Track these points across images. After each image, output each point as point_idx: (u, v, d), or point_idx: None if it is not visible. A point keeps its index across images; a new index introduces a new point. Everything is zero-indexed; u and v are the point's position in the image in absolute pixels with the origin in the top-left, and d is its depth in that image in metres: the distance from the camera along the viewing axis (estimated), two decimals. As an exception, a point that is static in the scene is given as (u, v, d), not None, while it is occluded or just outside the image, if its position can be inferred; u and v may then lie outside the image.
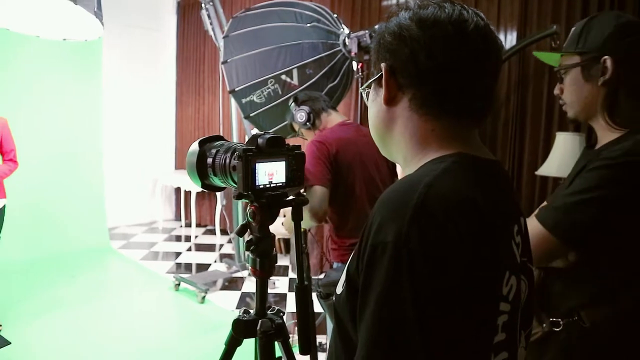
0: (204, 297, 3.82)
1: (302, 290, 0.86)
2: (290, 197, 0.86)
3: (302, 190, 2.00)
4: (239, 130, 4.44)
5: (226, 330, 0.99)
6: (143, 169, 6.71)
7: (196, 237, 6.12)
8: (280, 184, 0.84)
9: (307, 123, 2.07)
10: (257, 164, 0.79)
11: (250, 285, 4.34)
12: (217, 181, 0.90)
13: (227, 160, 0.84)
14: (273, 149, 0.81)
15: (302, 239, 0.89)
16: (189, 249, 5.58)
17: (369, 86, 0.77)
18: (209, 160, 0.90)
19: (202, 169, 0.92)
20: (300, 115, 2.07)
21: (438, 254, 0.54)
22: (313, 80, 2.78)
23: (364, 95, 0.80)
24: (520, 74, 3.26)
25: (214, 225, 6.16)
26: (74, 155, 5.16)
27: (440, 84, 0.67)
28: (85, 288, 4.10)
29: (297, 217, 0.89)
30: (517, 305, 0.67)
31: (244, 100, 2.95)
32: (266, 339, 0.87)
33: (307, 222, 1.75)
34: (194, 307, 3.76)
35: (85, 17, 2.46)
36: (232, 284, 4.38)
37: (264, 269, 0.90)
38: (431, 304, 0.53)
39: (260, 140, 0.80)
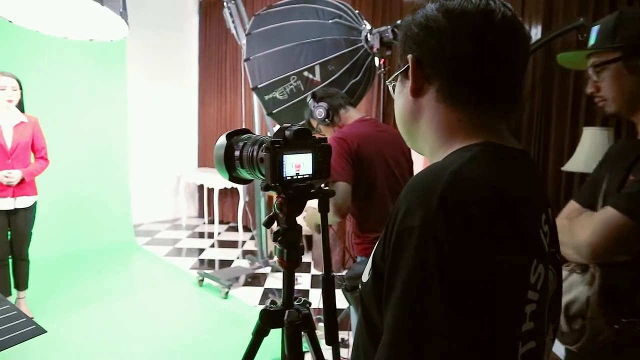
0: (227, 293, 3.86)
1: (329, 281, 0.87)
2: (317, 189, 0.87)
3: (323, 185, 2.02)
4: (261, 128, 4.47)
5: (249, 325, 1.00)
6: (167, 167, 6.81)
7: (219, 233, 6.18)
8: (307, 176, 0.85)
9: (326, 119, 2.07)
10: (284, 156, 0.80)
11: (272, 281, 4.37)
12: (244, 173, 0.91)
13: (255, 153, 0.85)
14: (300, 141, 0.82)
15: (328, 229, 0.90)
16: (212, 246, 5.65)
17: (395, 79, 0.77)
18: (237, 152, 0.91)
19: (229, 162, 0.93)
20: (319, 111, 2.07)
21: (465, 239, 0.55)
22: (335, 76, 2.78)
23: (390, 88, 0.80)
24: (545, 68, 3.20)
25: (237, 222, 6.22)
26: (101, 153, 5.28)
27: (468, 74, 0.67)
28: (111, 283, 4.19)
29: (323, 209, 0.89)
30: (546, 295, 0.66)
31: (266, 97, 2.97)
32: (293, 329, 0.89)
33: (330, 218, 1.76)
34: (218, 302, 3.81)
35: (111, 18, 2.52)
36: (254, 280, 4.42)
37: (291, 260, 0.91)
38: (458, 288, 0.54)
39: (287, 132, 0.81)
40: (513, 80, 0.70)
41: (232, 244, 5.72)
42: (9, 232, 3.15)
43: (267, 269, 4.57)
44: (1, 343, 1.06)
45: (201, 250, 5.41)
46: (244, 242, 5.84)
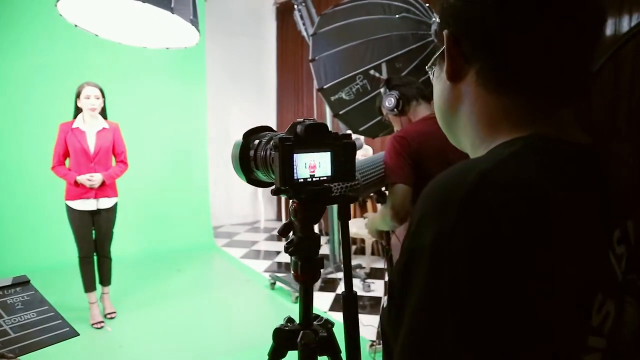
0: (297, 297, 3.82)
1: (350, 299, 0.75)
2: (338, 194, 0.76)
3: (383, 189, 1.88)
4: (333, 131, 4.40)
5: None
6: (246, 171, 6.97)
7: (295, 237, 6.20)
8: (325, 178, 0.74)
9: (395, 109, 1.94)
10: (295, 155, 0.70)
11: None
12: (261, 175, 0.83)
13: (269, 152, 0.76)
14: (315, 137, 0.71)
15: (349, 239, 0.78)
16: (288, 249, 5.67)
17: (434, 63, 0.65)
18: (252, 152, 0.82)
19: (245, 163, 0.85)
20: (389, 100, 1.95)
21: (491, 265, 0.40)
22: (403, 74, 2.63)
23: (431, 76, 0.67)
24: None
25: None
26: (182, 157, 5.50)
27: (515, 50, 0.52)
28: (189, 282, 4.34)
29: (343, 216, 0.78)
30: (619, 340, 0.50)
31: (332, 98, 2.89)
32: (307, 352, 0.78)
33: (388, 223, 1.63)
34: (288, 306, 3.79)
35: (182, 26, 2.59)
36: (327, 284, 4.35)
37: (306, 273, 0.81)
38: (479, 332, 0.40)
39: (299, 128, 0.70)
40: (577, 57, 0.53)
41: (308, 248, 5.71)
42: (93, 231, 3.34)
43: (340, 274, 4.49)
44: (35, 343, 1.07)
45: (277, 253, 5.45)
46: (319, 245, 5.80)
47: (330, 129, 3.12)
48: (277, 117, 7.30)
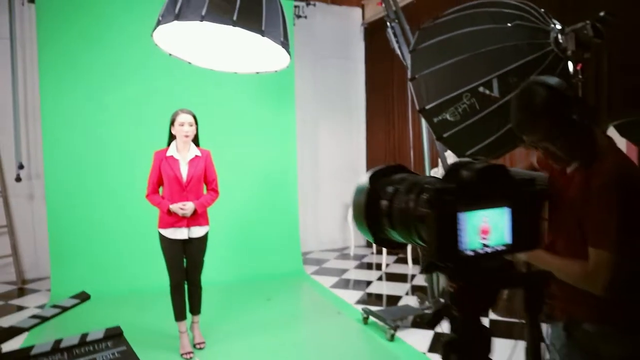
0: (393, 335, 3.51)
1: None
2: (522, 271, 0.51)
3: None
4: (431, 155, 4.07)
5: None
6: (335, 196, 6.80)
7: (387, 265, 5.87)
8: (501, 249, 0.48)
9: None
10: (460, 214, 0.45)
11: (445, 326, 3.88)
12: (396, 236, 0.59)
13: (412, 204, 0.51)
14: (487, 187, 0.46)
15: (540, 350, 0.52)
16: (380, 278, 5.36)
17: None
18: (384, 203, 0.58)
19: (373, 217, 0.61)
20: None
21: None
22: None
23: None
24: None
25: (406, 254, 5.85)
26: (272, 182, 5.46)
27: None
28: (278, 313, 4.20)
29: (532, 307, 0.52)
30: None
31: (435, 120, 2.61)
32: None
33: (577, 283, 1.20)
34: (383, 344, 3.49)
35: (273, 49, 2.49)
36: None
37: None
38: None
39: (465, 173, 0.45)
40: None
41: (401, 278, 5.34)
42: (184, 259, 3.30)
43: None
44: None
45: (368, 283, 5.16)
46: (413, 276, 5.40)
47: (427, 154, 2.67)
48: (366, 139, 7.12)
